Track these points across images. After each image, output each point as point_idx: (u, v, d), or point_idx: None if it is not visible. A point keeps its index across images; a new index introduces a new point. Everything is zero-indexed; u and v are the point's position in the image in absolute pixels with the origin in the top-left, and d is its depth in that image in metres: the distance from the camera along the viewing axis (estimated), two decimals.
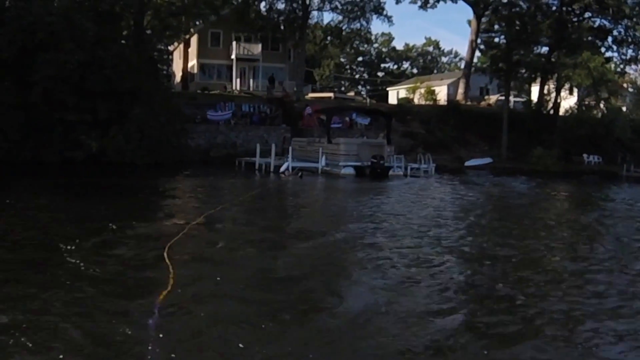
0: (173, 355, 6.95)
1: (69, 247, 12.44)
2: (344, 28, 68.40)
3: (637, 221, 23.03)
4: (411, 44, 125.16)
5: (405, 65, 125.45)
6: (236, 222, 18.22)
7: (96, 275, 10.47)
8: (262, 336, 7.77)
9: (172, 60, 69.32)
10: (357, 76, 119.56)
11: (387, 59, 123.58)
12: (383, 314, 9.04)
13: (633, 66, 67.16)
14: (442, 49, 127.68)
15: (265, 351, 7.25)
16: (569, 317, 9.36)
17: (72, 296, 9.23)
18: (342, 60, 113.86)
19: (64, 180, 28.08)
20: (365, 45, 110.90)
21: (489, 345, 7.93)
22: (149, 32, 47.70)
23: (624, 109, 67.94)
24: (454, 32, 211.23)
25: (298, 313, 8.97)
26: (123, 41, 42.11)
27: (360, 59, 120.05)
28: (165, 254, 11.83)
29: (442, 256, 13.52)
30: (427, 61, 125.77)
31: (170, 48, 65.35)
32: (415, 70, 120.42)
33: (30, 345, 7.07)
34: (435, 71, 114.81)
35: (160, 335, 7.47)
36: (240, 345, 7.42)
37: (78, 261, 11.23)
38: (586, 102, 59.56)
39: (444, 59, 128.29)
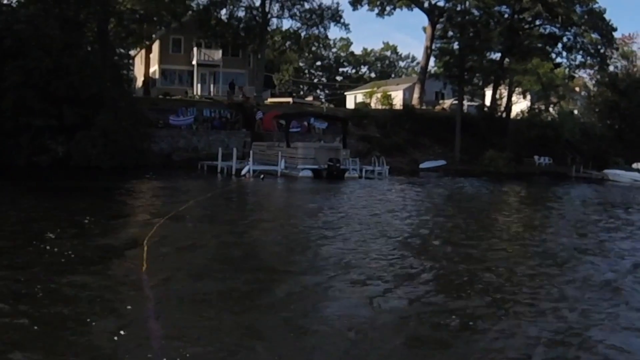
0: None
1: (51, 236, 14.12)
2: (302, 34, 69.80)
3: (574, 213, 25.31)
4: (369, 49, 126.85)
5: (364, 69, 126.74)
6: (204, 217, 19.78)
7: (77, 259, 12.07)
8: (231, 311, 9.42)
9: (133, 65, 70.08)
10: (315, 80, 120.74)
11: (346, 64, 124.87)
12: (330, 291, 10.73)
13: (588, 70, 69.81)
14: (399, 53, 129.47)
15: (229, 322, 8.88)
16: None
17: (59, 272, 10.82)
18: (300, 64, 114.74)
19: (34, 183, 29.20)
20: (324, 51, 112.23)
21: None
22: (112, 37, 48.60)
23: (576, 112, 70.30)
24: (412, 37, 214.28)
25: (255, 291, 10.48)
26: (88, 47, 42.96)
27: (318, 63, 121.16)
28: (145, 242, 13.46)
29: (386, 243, 15.35)
30: (385, 66, 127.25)
31: (132, 53, 66.20)
32: (373, 75, 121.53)
33: (29, 312, 8.60)
34: (392, 75, 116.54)
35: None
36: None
37: (57, 249, 12.75)
38: (536, 107, 61.71)
39: (402, 64, 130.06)
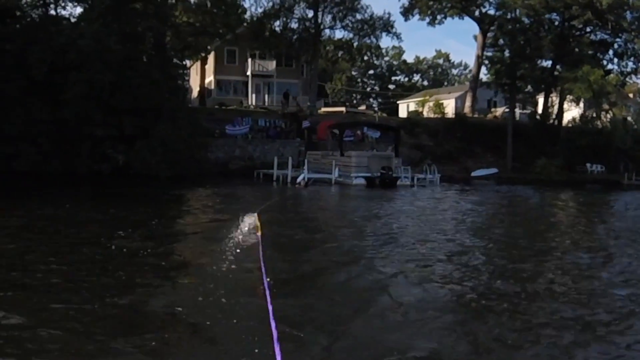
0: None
1: (120, 233, 15.12)
2: (354, 44, 70.41)
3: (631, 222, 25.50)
4: (421, 57, 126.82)
5: (416, 77, 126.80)
6: (283, 221, 21.19)
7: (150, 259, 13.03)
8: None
9: (189, 76, 71.51)
10: (368, 89, 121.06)
11: (398, 72, 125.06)
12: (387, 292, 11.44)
13: None
14: (452, 61, 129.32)
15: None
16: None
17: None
18: (353, 73, 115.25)
19: (101, 189, 30.89)
20: (376, 60, 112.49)
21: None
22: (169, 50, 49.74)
23: (629, 118, 69.51)
24: (464, 43, 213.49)
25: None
26: (146, 60, 44.03)
27: (371, 72, 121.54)
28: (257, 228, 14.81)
29: (441, 249, 15.94)
30: (438, 73, 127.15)
31: (187, 64, 67.57)
32: (425, 83, 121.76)
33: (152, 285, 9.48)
34: (445, 83, 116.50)
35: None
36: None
37: (125, 249, 13.73)
38: (586, 114, 61.24)
39: (454, 71, 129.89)
